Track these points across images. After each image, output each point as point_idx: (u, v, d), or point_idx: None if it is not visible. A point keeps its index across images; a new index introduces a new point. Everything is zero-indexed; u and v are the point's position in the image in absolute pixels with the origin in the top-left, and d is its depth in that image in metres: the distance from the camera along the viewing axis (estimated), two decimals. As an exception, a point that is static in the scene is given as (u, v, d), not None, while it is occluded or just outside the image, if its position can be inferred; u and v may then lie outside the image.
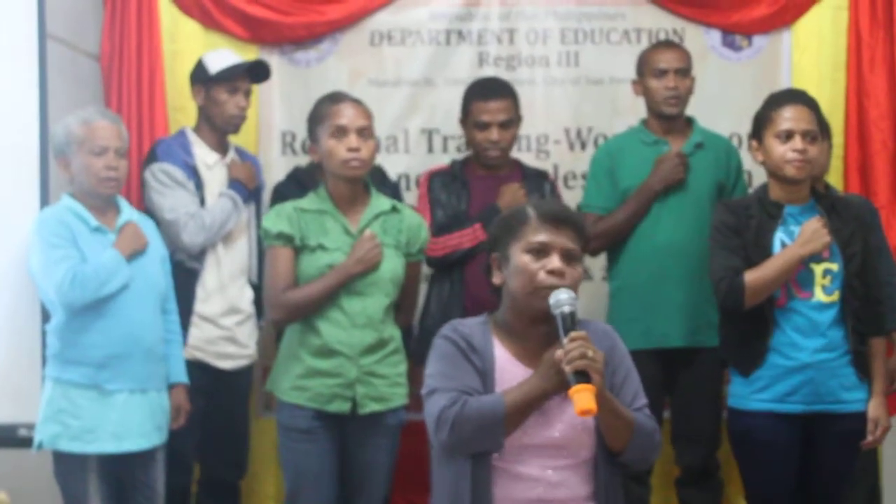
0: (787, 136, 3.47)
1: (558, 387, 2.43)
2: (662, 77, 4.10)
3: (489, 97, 4.07)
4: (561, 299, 2.44)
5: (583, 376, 2.35)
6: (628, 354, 2.65)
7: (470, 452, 2.49)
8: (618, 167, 4.14)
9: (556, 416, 2.50)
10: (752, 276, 3.44)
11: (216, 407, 3.99)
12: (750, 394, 3.49)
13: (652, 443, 2.57)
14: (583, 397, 2.33)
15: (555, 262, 2.50)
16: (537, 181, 4.15)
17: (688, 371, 4.01)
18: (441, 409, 2.47)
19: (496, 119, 4.04)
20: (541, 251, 2.52)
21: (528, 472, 2.50)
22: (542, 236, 2.53)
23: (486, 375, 2.53)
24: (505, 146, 4.09)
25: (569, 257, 2.52)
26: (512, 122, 4.09)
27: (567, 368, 2.37)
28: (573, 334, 2.40)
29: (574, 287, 2.50)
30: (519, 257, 2.53)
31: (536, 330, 2.54)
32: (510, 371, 2.53)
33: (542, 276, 2.49)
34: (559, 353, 2.39)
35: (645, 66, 4.17)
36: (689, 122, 4.22)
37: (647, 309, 4.00)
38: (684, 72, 4.13)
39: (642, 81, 4.18)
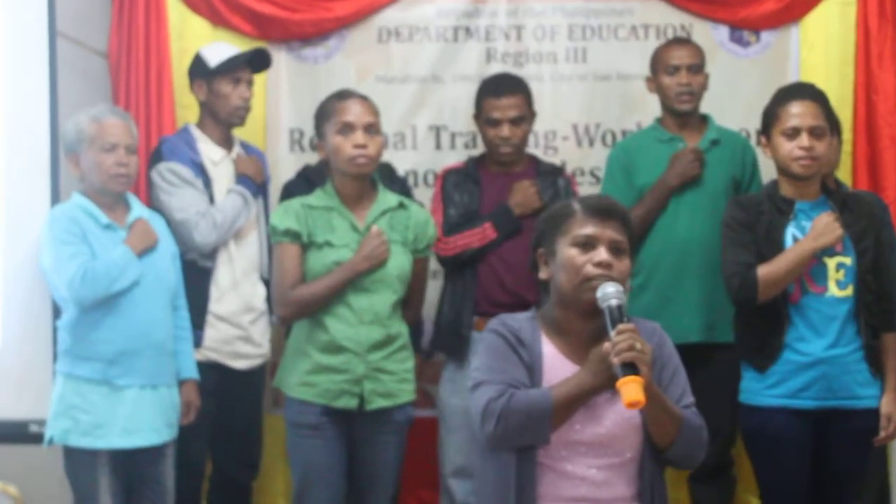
0: (794, 132, 3.46)
1: (606, 382, 2.42)
2: (675, 74, 4.11)
3: (500, 94, 4.06)
4: (608, 293, 2.43)
5: (631, 368, 2.35)
6: (676, 352, 2.64)
7: (516, 446, 2.48)
8: (633, 165, 4.14)
9: (603, 413, 2.48)
10: (764, 271, 3.43)
11: (229, 407, 3.98)
12: (763, 389, 3.49)
13: (699, 440, 2.55)
14: (630, 389, 2.32)
15: (602, 254, 2.49)
16: (552, 177, 4.13)
17: (705, 367, 3.98)
18: (488, 400, 2.46)
19: (507, 115, 4.04)
20: (587, 244, 2.51)
21: (573, 471, 2.48)
22: (588, 229, 2.52)
23: (533, 370, 2.52)
24: (517, 142, 4.07)
25: (616, 250, 2.51)
26: (524, 118, 4.08)
27: (615, 360, 2.36)
28: (621, 326, 2.39)
29: (622, 280, 2.49)
30: (566, 251, 2.52)
31: (584, 325, 2.53)
32: (557, 366, 2.52)
33: (589, 268, 2.48)
34: (607, 345, 2.39)
35: (658, 63, 4.18)
36: (704, 119, 4.22)
37: (665, 305, 4.00)
38: (697, 68, 4.13)
39: (656, 79, 4.18)
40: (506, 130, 4.03)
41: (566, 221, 2.55)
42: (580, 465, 2.48)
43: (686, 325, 3.98)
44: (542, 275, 2.61)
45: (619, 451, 2.50)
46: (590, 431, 2.48)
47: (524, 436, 2.47)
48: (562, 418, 2.45)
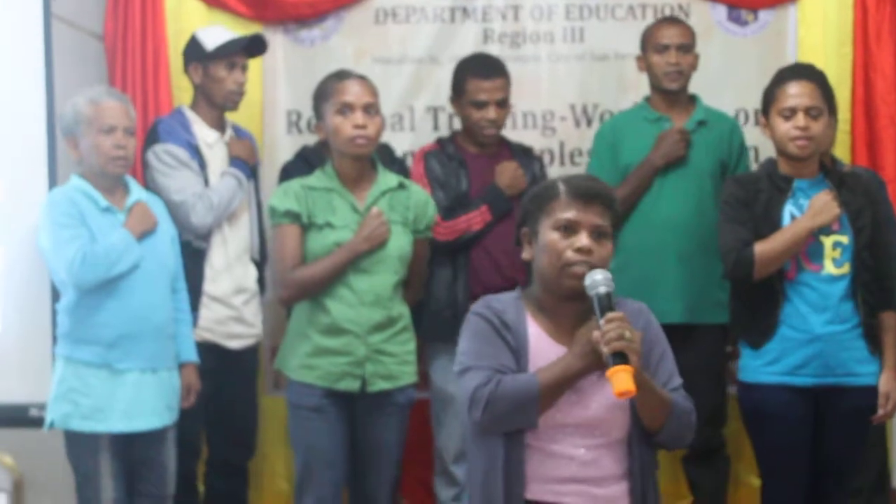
0: (790, 113, 3.47)
1: (593, 365, 2.42)
2: (664, 52, 4.10)
3: (488, 76, 4.05)
4: (597, 280, 2.42)
5: (621, 357, 2.34)
6: (663, 333, 2.64)
7: (504, 430, 2.48)
8: (620, 144, 4.14)
9: (590, 395, 2.49)
10: (761, 248, 3.44)
11: (223, 388, 3.99)
12: (760, 367, 3.49)
13: (689, 423, 2.56)
14: (621, 379, 2.32)
15: (583, 240, 2.48)
16: (527, 159, 4.15)
17: (688, 348, 3.97)
18: (475, 387, 2.46)
19: (494, 97, 4.03)
20: (569, 228, 2.50)
21: (562, 451, 2.49)
22: (570, 213, 2.50)
23: (519, 352, 2.52)
24: (501, 124, 4.09)
25: (598, 234, 2.50)
26: (507, 100, 4.09)
27: (605, 350, 2.35)
28: (610, 315, 2.38)
29: (603, 264, 2.48)
30: (547, 234, 2.51)
31: (567, 307, 2.53)
32: (544, 348, 2.52)
33: (569, 254, 2.48)
34: (596, 334, 2.38)
35: (648, 42, 4.17)
36: (693, 99, 4.22)
37: (647, 285, 3.98)
38: (686, 48, 4.12)
39: (645, 57, 4.18)
40: (492, 112, 4.03)
41: (550, 203, 2.54)
42: (568, 446, 2.50)
43: (667, 307, 3.94)
44: (525, 255, 2.61)
45: (606, 431, 2.51)
46: (577, 414, 2.49)
47: (512, 421, 2.47)
48: (549, 402, 2.46)
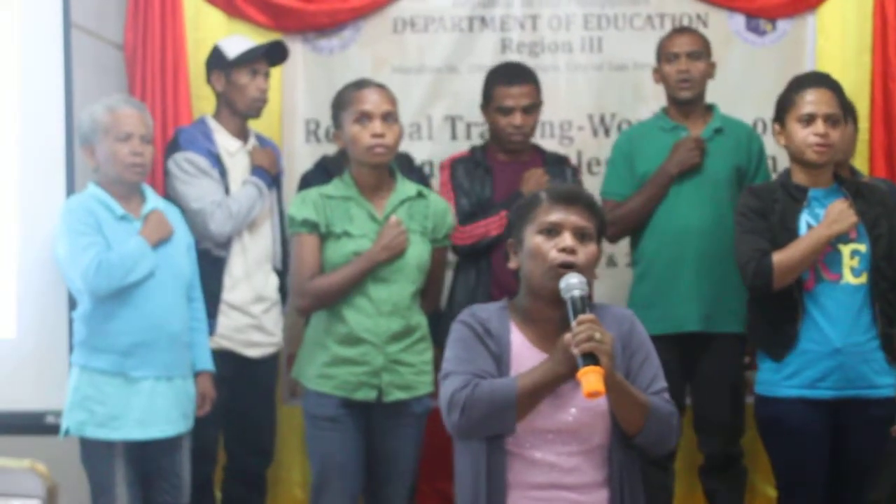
0: (809, 119, 3.47)
1: (571, 372, 2.42)
2: (674, 61, 4.10)
3: (513, 82, 4.06)
4: (571, 283, 2.45)
5: (591, 358, 2.36)
6: (648, 339, 2.65)
7: (481, 435, 2.50)
8: (636, 153, 4.13)
9: (570, 401, 2.50)
10: (779, 257, 3.42)
11: (242, 395, 4.00)
12: (779, 381, 3.48)
13: (669, 426, 2.56)
14: (590, 379, 2.34)
15: (567, 240, 2.51)
16: (559, 167, 4.14)
17: (706, 358, 3.99)
18: (453, 391, 2.49)
19: (520, 104, 4.04)
20: (552, 230, 2.54)
21: (542, 458, 2.50)
22: (553, 216, 2.55)
23: (501, 360, 2.54)
24: (528, 131, 4.08)
25: (581, 235, 2.54)
26: (535, 106, 4.09)
27: (575, 351, 2.38)
28: (581, 317, 2.41)
29: (588, 265, 2.52)
30: (532, 238, 2.55)
31: (552, 313, 2.55)
32: (525, 356, 2.54)
33: (553, 254, 2.51)
34: (567, 336, 2.40)
35: (661, 53, 4.18)
36: (710, 108, 4.20)
37: (664, 293, 4.00)
38: (697, 55, 4.11)
39: (660, 68, 4.18)
40: (518, 118, 4.03)
41: (533, 210, 2.59)
42: (549, 453, 2.51)
43: (684, 315, 3.98)
44: (512, 264, 2.64)
45: (586, 437, 2.52)
46: (557, 419, 2.50)
47: (489, 425, 2.49)
48: (527, 407, 2.47)
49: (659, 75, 4.19)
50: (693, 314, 3.98)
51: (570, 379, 2.45)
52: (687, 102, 4.12)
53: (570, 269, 2.49)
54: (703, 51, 4.13)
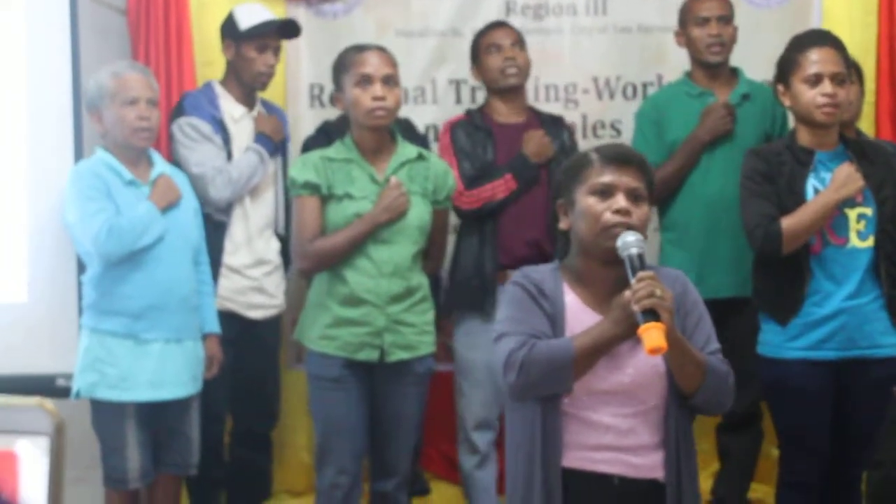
0: (816, 80, 3.43)
1: (629, 331, 2.40)
2: (705, 25, 4.06)
3: (493, 27, 4.12)
4: (628, 241, 2.42)
5: (652, 315, 2.33)
6: (700, 300, 2.62)
7: (538, 395, 2.48)
8: (664, 120, 4.11)
9: (626, 362, 2.47)
10: (788, 222, 3.41)
11: (246, 357, 4.04)
12: (783, 342, 3.47)
13: (726, 385, 2.53)
14: (652, 335, 2.31)
15: (620, 201, 2.47)
16: (555, 128, 4.13)
17: (739, 319, 3.96)
18: (510, 351, 2.45)
19: (507, 41, 4.06)
20: (605, 192, 2.49)
21: (598, 419, 2.48)
22: (606, 177, 2.50)
23: (555, 320, 2.51)
24: (523, 66, 4.08)
25: (634, 196, 2.50)
26: (522, 43, 4.10)
27: (636, 308, 2.35)
28: (640, 274, 2.38)
29: (641, 226, 2.48)
30: (584, 200, 2.51)
31: (606, 273, 2.52)
32: (580, 317, 2.51)
33: (608, 216, 2.47)
34: (627, 293, 2.38)
35: (687, 16, 4.13)
36: (735, 72, 4.18)
37: (699, 260, 3.99)
38: (727, 19, 4.09)
39: (685, 31, 4.14)
40: (509, 51, 4.05)
41: (584, 171, 2.54)
42: (605, 414, 2.48)
43: (718, 281, 3.97)
44: (563, 225, 2.60)
45: (643, 398, 2.49)
46: (613, 380, 2.47)
47: (546, 385, 2.46)
48: (584, 367, 2.44)
49: (683, 38, 4.15)
50: (728, 280, 3.99)
51: (628, 339, 2.44)
52: (716, 66, 4.10)
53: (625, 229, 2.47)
54: (730, 14, 4.12)
